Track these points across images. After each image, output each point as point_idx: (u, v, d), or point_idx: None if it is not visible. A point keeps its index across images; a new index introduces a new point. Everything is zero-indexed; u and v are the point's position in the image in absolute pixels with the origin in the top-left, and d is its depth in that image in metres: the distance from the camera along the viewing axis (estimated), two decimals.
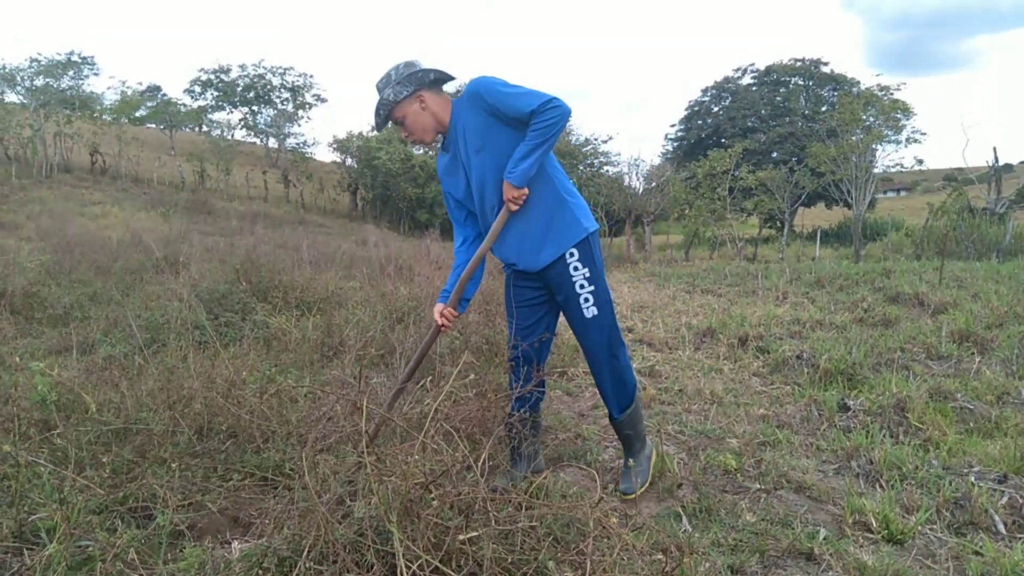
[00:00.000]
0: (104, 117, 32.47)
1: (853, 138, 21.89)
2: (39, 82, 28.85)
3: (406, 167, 31.77)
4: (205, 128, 43.52)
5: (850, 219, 24.02)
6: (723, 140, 33.55)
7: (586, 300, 2.60)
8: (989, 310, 6.62)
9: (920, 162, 29.00)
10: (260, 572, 1.74)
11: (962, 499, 2.63)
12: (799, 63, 37.65)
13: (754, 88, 38.10)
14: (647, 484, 2.77)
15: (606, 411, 3.63)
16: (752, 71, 38.88)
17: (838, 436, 3.37)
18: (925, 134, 32.18)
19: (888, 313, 6.72)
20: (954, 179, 32.76)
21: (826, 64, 37.41)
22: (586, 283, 2.59)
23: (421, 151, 41.23)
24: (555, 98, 2.35)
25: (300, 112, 44.48)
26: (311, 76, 48.89)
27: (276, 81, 44.15)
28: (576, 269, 2.59)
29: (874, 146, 22.39)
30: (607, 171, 28.03)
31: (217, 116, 43.92)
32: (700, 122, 39.10)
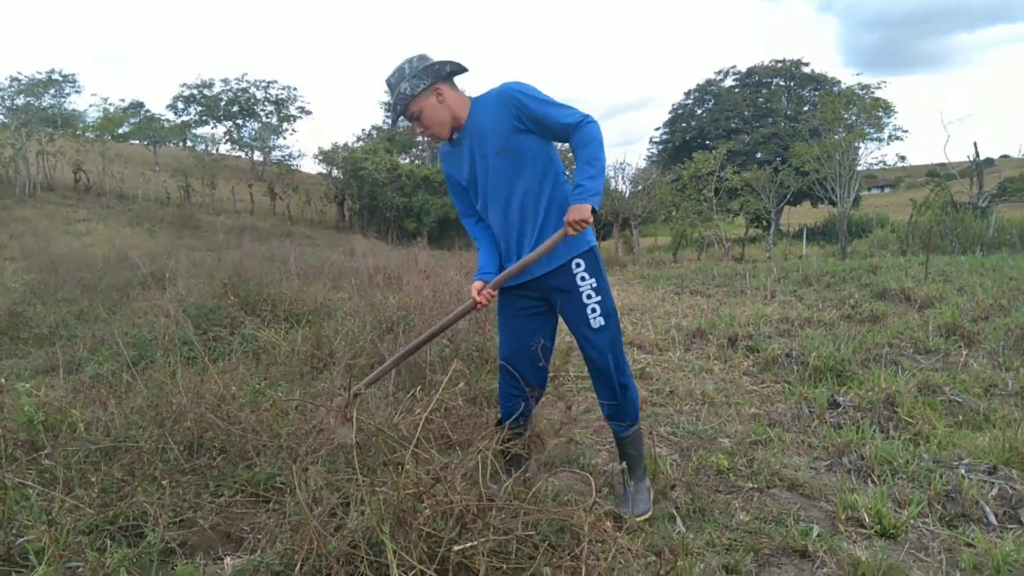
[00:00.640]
0: (87, 134, 32.36)
1: (836, 137, 22.06)
2: (20, 101, 28.65)
3: (392, 176, 31.78)
4: (189, 143, 43.40)
5: (835, 217, 24.19)
6: (707, 142, 33.71)
7: (593, 310, 2.55)
8: (975, 303, 6.68)
9: (903, 159, 29.39)
10: None
11: (953, 492, 2.64)
12: (780, 64, 37.96)
13: (736, 90, 38.36)
14: (649, 514, 2.57)
15: (598, 415, 3.63)
16: (734, 73, 39.18)
17: (829, 433, 3.39)
18: (907, 131, 32.49)
19: (875, 309, 6.77)
20: (937, 175, 33.08)
21: (807, 65, 37.75)
22: (593, 293, 2.55)
23: (407, 160, 41.29)
24: (589, 115, 2.39)
25: (285, 125, 44.48)
26: (295, 89, 48.87)
27: (260, 95, 44.15)
28: (584, 279, 2.54)
29: (857, 144, 22.56)
30: None
31: (201, 131, 43.88)
32: (684, 125, 39.33)
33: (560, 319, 2.68)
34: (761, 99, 37.54)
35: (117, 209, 24.30)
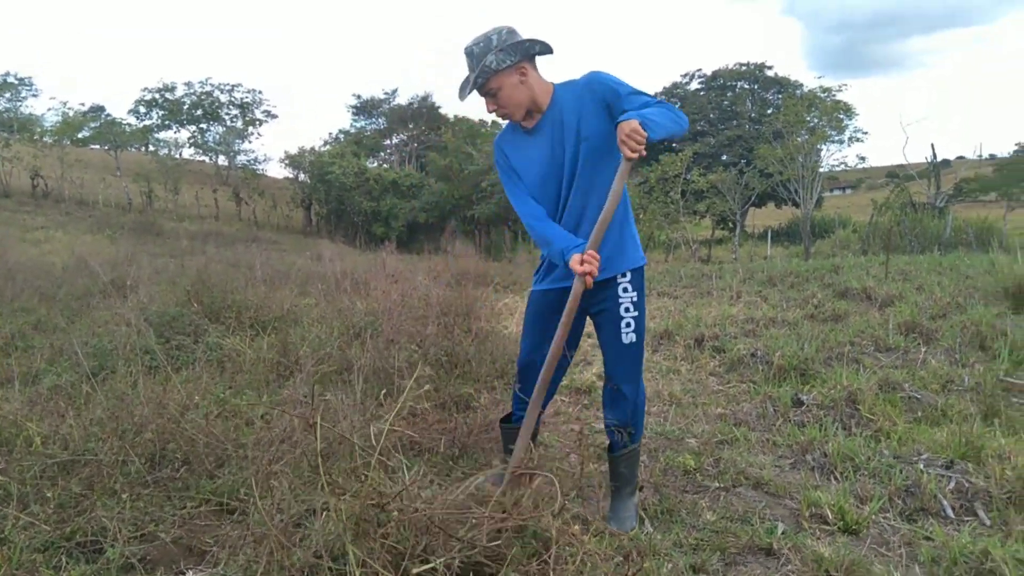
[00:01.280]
0: (45, 139, 31.57)
1: (798, 139, 22.47)
2: None
3: (360, 180, 31.60)
4: (152, 147, 42.66)
5: (799, 218, 24.62)
6: (674, 145, 34.08)
7: (628, 325, 2.48)
8: (933, 301, 6.85)
9: (863, 160, 30.02)
10: None
11: (912, 486, 2.70)
12: (744, 67, 38.52)
13: (702, 93, 38.85)
14: (635, 530, 2.50)
15: (565, 418, 3.63)
16: (699, 76, 39.66)
17: (793, 431, 3.44)
18: (867, 133, 33.19)
19: (838, 308, 6.89)
20: (896, 176, 33.88)
21: (770, 68, 38.37)
22: (632, 307, 2.48)
23: (375, 164, 41.02)
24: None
25: (250, 128, 43.91)
26: (260, 92, 48.23)
27: (224, 98, 43.58)
28: (625, 291, 2.47)
29: (819, 146, 23.03)
30: None
31: (164, 135, 43.14)
32: None
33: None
34: (726, 102, 38.07)
35: (77, 216, 23.76)
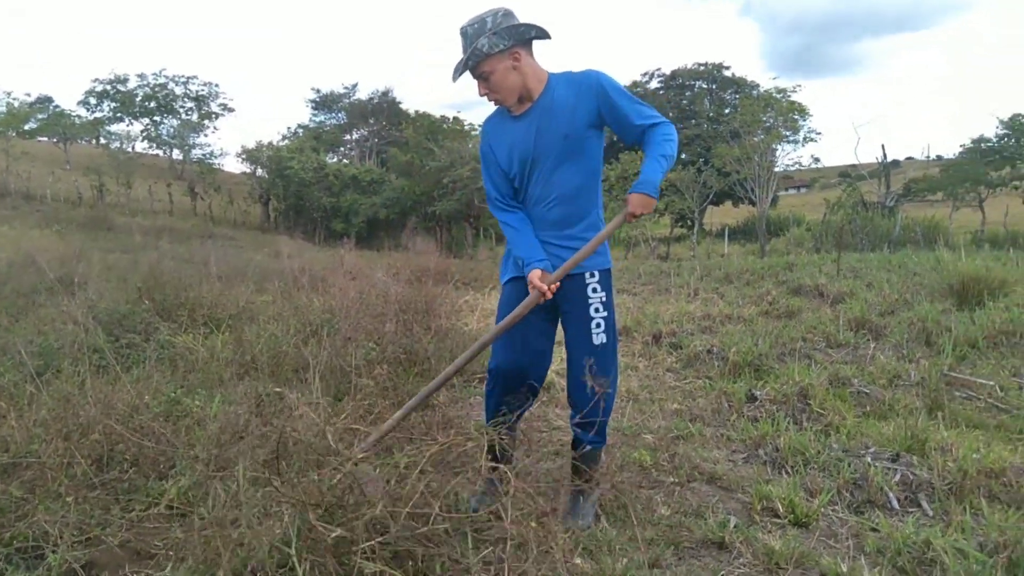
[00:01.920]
0: None
1: (755, 139, 22.87)
2: None
3: (319, 176, 31.18)
4: (103, 140, 41.44)
5: (755, 216, 25.07)
6: None
7: (598, 325, 2.48)
8: (882, 298, 7.05)
9: (817, 160, 30.70)
10: None
11: (860, 479, 2.77)
12: (702, 67, 39.05)
13: (661, 92, 39.25)
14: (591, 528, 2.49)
15: (528, 415, 3.64)
16: (659, 76, 40.08)
17: (746, 426, 3.50)
18: (820, 133, 34.16)
19: (791, 305, 7.05)
20: (848, 176, 34.71)
21: (727, 68, 38.98)
22: (601, 307, 2.48)
23: (335, 159, 40.51)
24: (669, 121, 2.38)
25: (206, 122, 42.97)
26: (216, 85, 47.23)
27: (179, 91, 42.56)
28: (595, 291, 2.48)
29: (774, 146, 23.47)
30: None
31: (116, 128, 41.95)
32: None
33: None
34: (685, 101, 38.55)
35: (24, 210, 22.97)
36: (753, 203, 24.50)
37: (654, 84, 40.00)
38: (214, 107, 43.59)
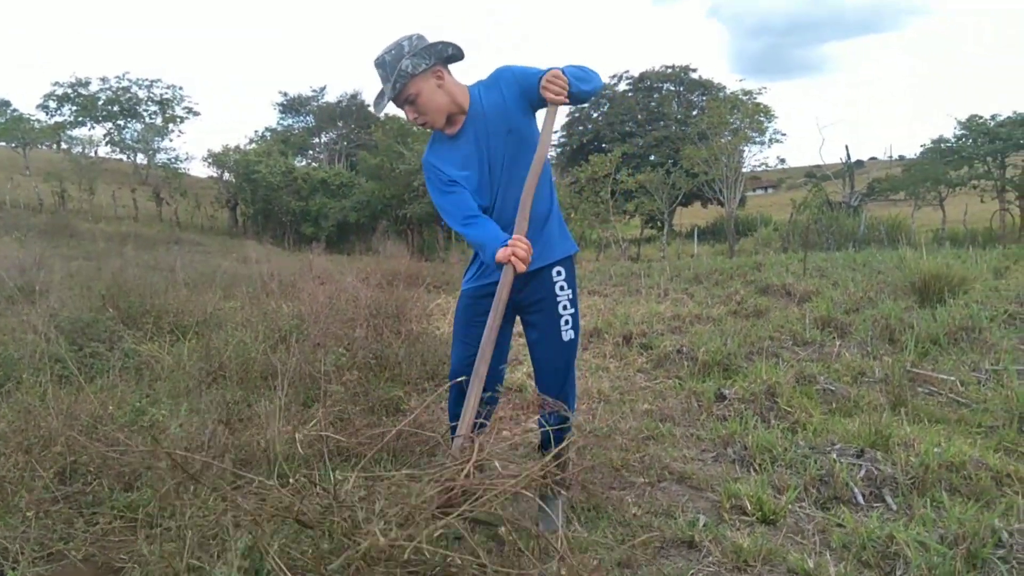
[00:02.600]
0: None
1: (722, 140, 23.16)
2: None
3: (288, 180, 30.87)
4: (64, 145, 40.53)
5: (724, 217, 25.38)
6: (603, 145, 34.59)
7: (567, 322, 2.47)
8: (847, 296, 7.18)
9: (782, 161, 31.20)
10: None
11: (826, 475, 2.82)
12: (670, 70, 39.41)
13: (630, 94, 39.54)
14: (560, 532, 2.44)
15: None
16: (627, 78, 40.36)
17: (715, 425, 3.54)
18: (785, 135, 34.69)
19: (759, 304, 7.14)
20: (814, 176, 35.30)
21: (695, 71, 39.35)
22: (569, 304, 2.48)
23: (304, 163, 40.12)
24: None
25: (170, 126, 42.21)
26: (181, 88, 46.45)
27: (142, 94, 41.76)
28: (562, 289, 2.47)
29: (741, 147, 23.78)
30: None
31: (77, 132, 41.02)
32: (581, 128, 40.15)
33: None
34: (653, 103, 38.85)
35: None
36: (722, 204, 24.81)
37: (622, 86, 40.29)
38: (179, 111, 42.85)
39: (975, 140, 23.42)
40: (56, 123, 39.67)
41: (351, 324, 4.99)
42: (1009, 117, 22.95)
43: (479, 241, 2.36)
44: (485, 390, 2.35)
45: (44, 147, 41.60)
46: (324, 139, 47.70)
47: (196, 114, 44.47)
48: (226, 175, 34.28)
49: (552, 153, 42.05)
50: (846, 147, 33.14)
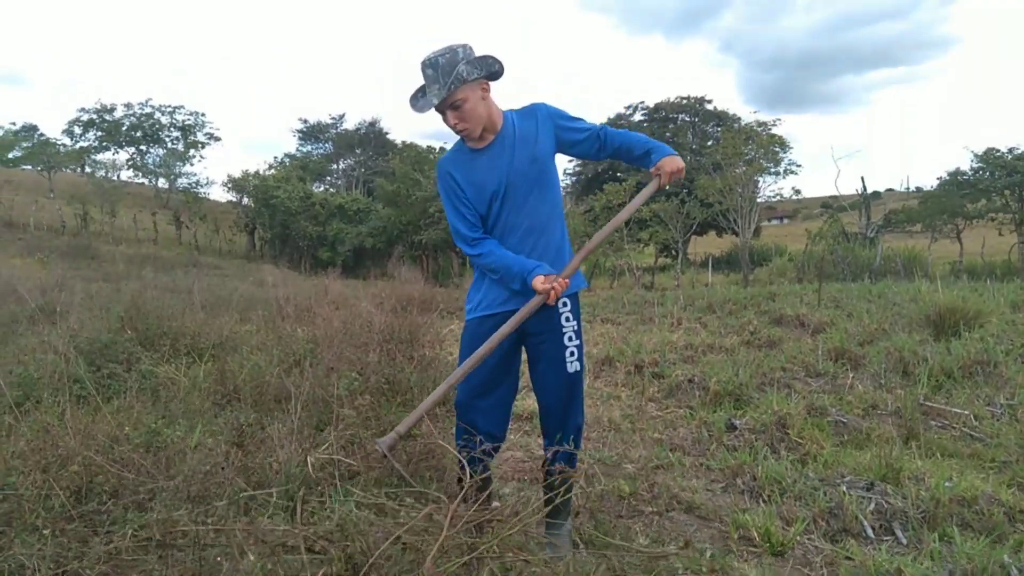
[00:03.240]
0: None
1: (737, 171, 23.22)
2: None
3: (305, 205, 31.24)
4: (88, 169, 41.34)
5: (739, 246, 25.34)
6: (619, 174, 34.76)
7: (572, 354, 2.49)
8: (861, 328, 7.14)
9: (798, 192, 31.05)
10: None
11: (835, 508, 2.81)
12: (685, 101, 39.69)
13: (645, 124, 39.80)
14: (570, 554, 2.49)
15: (507, 444, 3.65)
16: (642, 108, 40.68)
17: (725, 455, 3.54)
18: (801, 166, 34.64)
19: (772, 335, 7.13)
20: (830, 206, 35.21)
21: (710, 102, 39.62)
22: (574, 336, 2.50)
23: (321, 188, 40.59)
24: None
25: (192, 151, 43.01)
26: (203, 115, 47.38)
27: (165, 120, 42.65)
28: (568, 320, 2.49)
29: (756, 178, 23.82)
30: None
31: (101, 157, 41.88)
32: None
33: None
34: (668, 133, 39.07)
35: (5, 238, 22.80)
36: (736, 233, 24.79)
37: (638, 116, 40.59)
38: (200, 136, 43.74)
39: (992, 173, 23.33)
40: (81, 148, 40.53)
41: (364, 349, 5.05)
42: None
43: (504, 265, 2.40)
44: (487, 433, 2.43)
45: (69, 171, 42.44)
46: (342, 165, 48.34)
47: (217, 139, 45.36)
48: (245, 200, 34.80)
49: (566, 182, 42.32)
50: (862, 178, 33.10)
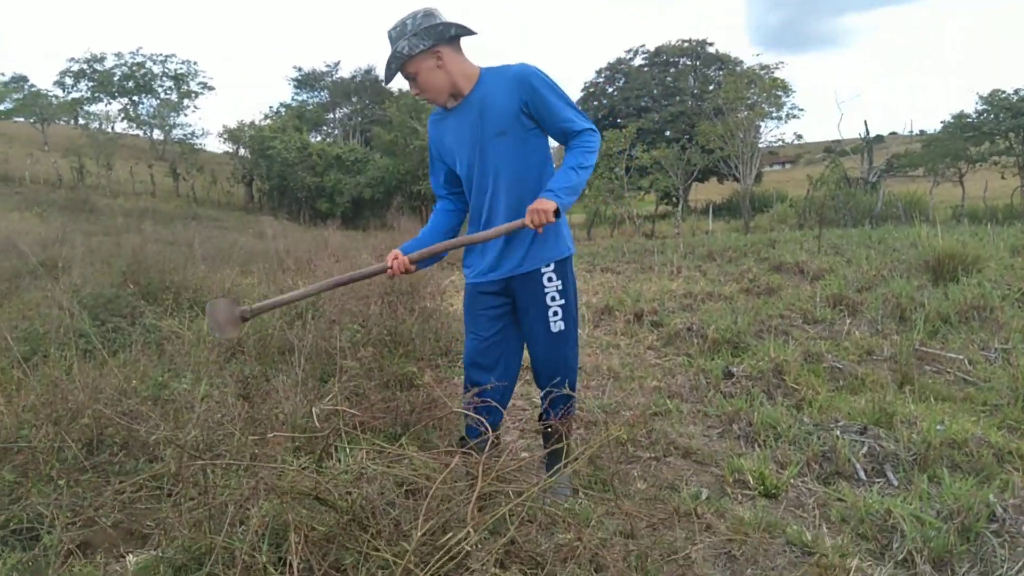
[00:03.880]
0: None
1: (739, 116, 22.93)
2: None
3: (303, 156, 30.95)
4: (81, 121, 40.83)
5: (739, 193, 25.19)
6: (618, 120, 34.32)
7: (555, 313, 2.49)
8: (860, 274, 7.18)
9: (800, 137, 30.75)
10: None
11: (829, 452, 2.88)
12: (687, 44, 38.91)
13: (645, 69, 39.12)
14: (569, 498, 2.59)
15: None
16: (643, 52, 39.89)
17: (722, 402, 3.60)
18: (803, 110, 34.29)
19: (772, 282, 7.16)
20: (832, 151, 34.85)
21: (711, 45, 38.85)
22: (557, 296, 2.49)
23: (319, 139, 40.15)
24: (595, 127, 2.43)
25: (185, 101, 42.40)
26: (195, 63, 46.59)
27: (157, 69, 41.91)
28: (550, 280, 2.48)
29: (757, 123, 23.53)
30: None
31: (94, 108, 41.33)
32: (596, 103, 39.83)
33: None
34: (669, 78, 38.44)
35: (3, 193, 22.69)
36: (737, 180, 24.63)
37: (638, 61, 39.85)
38: (194, 86, 43.05)
39: (997, 115, 23.01)
40: (73, 99, 39.95)
41: (366, 301, 5.09)
42: None
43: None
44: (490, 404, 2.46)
45: (62, 123, 41.94)
46: (338, 115, 47.70)
47: (211, 89, 44.72)
48: (241, 151, 34.46)
49: None
50: (865, 122, 32.64)
